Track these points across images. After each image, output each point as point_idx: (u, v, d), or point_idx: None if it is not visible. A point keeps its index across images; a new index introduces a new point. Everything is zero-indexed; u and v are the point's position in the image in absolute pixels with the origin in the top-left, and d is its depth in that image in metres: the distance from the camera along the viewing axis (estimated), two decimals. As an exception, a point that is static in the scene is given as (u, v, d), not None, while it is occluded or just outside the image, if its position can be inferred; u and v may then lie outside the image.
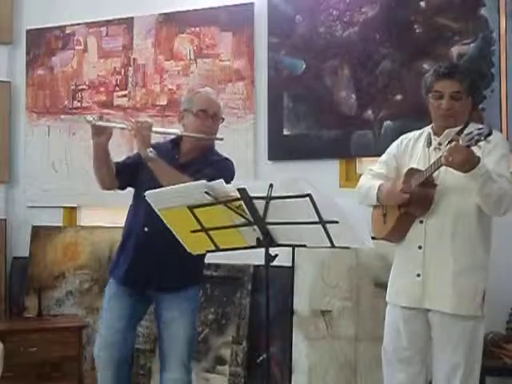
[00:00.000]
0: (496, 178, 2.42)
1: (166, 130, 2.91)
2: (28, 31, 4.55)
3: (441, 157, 2.43)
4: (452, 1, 3.47)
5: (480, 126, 2.36)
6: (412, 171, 2.63)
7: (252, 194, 2.14)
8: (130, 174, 2.96)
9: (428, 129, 2.73)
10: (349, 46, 3.69)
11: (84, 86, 4.40)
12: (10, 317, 4.40)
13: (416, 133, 2.78)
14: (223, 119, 3.00)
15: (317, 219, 2.10)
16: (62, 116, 4.44)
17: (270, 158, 3.88)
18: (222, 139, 3.00)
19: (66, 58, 4.46)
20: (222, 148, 3.95)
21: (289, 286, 3.58)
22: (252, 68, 3.93)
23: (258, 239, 2.24)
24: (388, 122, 3.52)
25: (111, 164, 2.93)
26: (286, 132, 3.82)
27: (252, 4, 3.94)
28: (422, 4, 3.54)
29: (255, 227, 2.22)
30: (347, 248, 2.58)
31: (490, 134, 2.29)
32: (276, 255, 2.25)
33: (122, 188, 3.03)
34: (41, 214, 4.35)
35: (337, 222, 2.09)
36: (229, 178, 2.83)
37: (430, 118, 2.69)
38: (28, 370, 3.81)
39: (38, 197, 4.44)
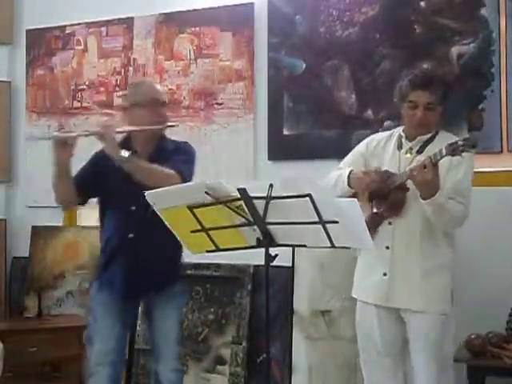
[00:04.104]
0: (449, 206, 2.48)
1: (129, 128, 2.75)
2: (28, 31, 4.55)
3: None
4: (452, 1, 3.47)
5: (466, 136, 2.42)
6: (387, 173, 2.67)
7: (252, 194, 2.13)
8: (91, 187, 2.86)
9: (398, 131, 2.78)
10: (349, 45, 3.69)
11: (84, 86, 4.40)
12: (10, 317, 4.39)
13: (385, 134, 2.84)
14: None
15: (317, 219, 2.09)
16: (62, 116, 4.44)
17: (270, 158, 3.87)
18: (177, 125, 3.03)
19: (66, 58, 4.46)
20: (223, 148, 3.98)
21: (289, 286, 3.58)
22: (252, 68, 3.93)
23: (258, 239, 2.24)
24: (388, 122, 3.52)
25: (72, 181, 2.82)
26: (286, 132, 3.82)
27: (252, 4, 3.93)
28: (422, 4, 3.54)
29: (255, 227, 2.22)
30: (347, 248, 2.58)
31: (475, 145, 2.35)
32: (276, 255, 2.25)
33: (83, 203, 2.94)
34: (41, 214, 4.34)
35: (337, 222, 2.09)
36: (195, 160, 2.88)
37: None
38: (28, 370, 3.81)
39: (38, 197, 4.42)
